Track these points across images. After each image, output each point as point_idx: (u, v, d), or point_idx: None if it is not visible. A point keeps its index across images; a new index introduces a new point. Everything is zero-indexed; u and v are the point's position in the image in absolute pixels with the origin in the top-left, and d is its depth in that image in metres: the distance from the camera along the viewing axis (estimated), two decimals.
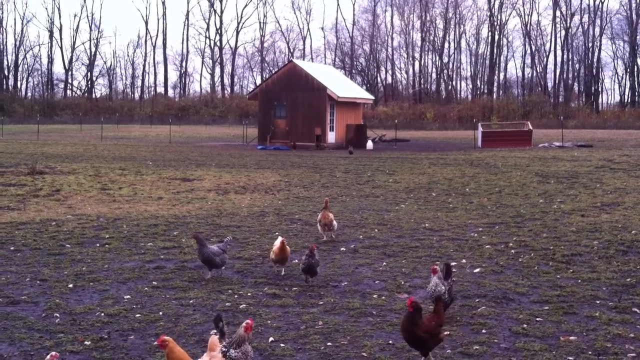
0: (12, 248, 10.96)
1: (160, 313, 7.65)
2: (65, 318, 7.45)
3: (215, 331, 5.65)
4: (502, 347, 6.57)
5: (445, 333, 6.95)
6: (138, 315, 7.57)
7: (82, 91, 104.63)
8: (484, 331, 7.05)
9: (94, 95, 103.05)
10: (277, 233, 12.18)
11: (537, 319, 7.42)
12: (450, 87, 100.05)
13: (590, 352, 6.39)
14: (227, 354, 5.22)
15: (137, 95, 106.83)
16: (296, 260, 9.64)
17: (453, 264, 9.97)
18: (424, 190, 18.81)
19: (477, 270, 9.62)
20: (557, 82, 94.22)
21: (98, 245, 11.32)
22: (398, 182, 20.70)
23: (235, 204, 16.40)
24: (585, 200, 16.06)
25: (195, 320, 7.39)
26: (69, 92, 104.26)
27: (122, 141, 44.72)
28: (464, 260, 10.19)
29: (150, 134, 55.44)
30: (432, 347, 6.12)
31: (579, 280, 8.96)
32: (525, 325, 7.18)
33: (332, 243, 11.57)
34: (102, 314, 7.57)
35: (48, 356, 4.65)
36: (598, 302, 8.00)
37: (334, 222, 11.83)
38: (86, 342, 6.67)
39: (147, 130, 63.54)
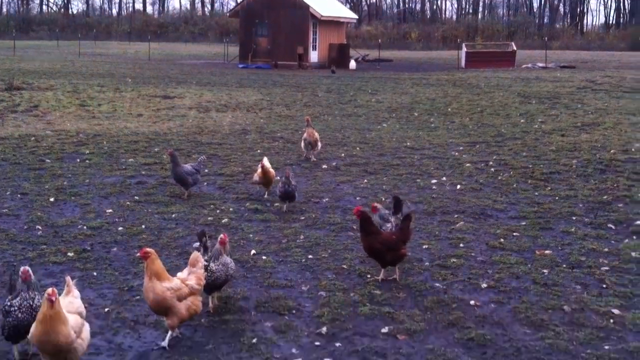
0: None
1: (143, 226, 7.70)
2: (47, 231, 7.48)
3: (196, 245, 5.71)
4: (479, 260, 6.73)
5: (424, 247, 7.10)
6: (120, 228, 7.62)
7: (58, 7, 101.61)
8: (461, 245, 7.19)
9: (70, 11, 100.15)
10: (259, 151, 12.18)
11: (514, 233, 7.58)
12: (435, 6, 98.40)
13: (564, 265, 6.57)
14: (208, 267, 5.39)
15: (114, 11, 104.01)
16: (278, 178, 9.63)
17: (434, 181, 10.09)
18: (406, 110, 18.77)
19: (456, 187, 9.74)
20: (542, 3, 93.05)
21: (78, 160, 11.26)
22: (380, 102, 20.61)
23: (216, 121, 16.29)
24: (566, 121, 16.14)
25: (178, 234, 7.46)
26: (44, 7, 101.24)
27: (100, 58, 43.81)
28: (444, 178, 10.29)
29: (128, 51, 54.30)
30: (391, 261, 6.08)
31: (557, 198, 9.11)
32: (502, 240, 7.33)
33: (314, 160, 11.59)
34: (85, 227, 7.61)
35: (20, 271, 4.63)
36: (574, 218, 8.17)
37: (319, 143, 11.78)
38: (69, 254, 6.73)
39: (125, 47, 62.20)
